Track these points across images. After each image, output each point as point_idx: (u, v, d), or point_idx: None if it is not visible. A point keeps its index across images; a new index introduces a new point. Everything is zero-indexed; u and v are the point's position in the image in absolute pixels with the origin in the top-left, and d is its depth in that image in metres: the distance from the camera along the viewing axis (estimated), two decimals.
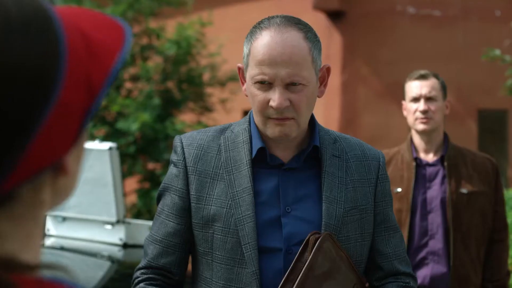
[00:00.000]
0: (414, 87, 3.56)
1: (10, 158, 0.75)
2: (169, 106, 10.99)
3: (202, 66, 11.54)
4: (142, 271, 2.09)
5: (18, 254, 0.79)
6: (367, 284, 2.07)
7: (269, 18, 2.00)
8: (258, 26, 1.99)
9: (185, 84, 11.31)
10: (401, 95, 3.60)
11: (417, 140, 3.62)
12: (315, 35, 2.01)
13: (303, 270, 1.92)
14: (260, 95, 1.95)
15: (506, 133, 12.21)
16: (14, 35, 0.76)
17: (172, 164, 2.09)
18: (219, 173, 2.03)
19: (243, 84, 2.07)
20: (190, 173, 2.04)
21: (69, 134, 0.80)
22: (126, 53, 0.84)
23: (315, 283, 1.94)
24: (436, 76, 3.59)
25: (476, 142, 11.90)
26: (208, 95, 11.72)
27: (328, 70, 2.07)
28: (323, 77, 2.06)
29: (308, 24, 2.01)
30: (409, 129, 3.67)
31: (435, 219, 3.48)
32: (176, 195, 2.05)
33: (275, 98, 1.92)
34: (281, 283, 1.93)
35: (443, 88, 3.59)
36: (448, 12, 12.35)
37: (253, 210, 1.97)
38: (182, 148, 2.07)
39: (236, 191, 1.99)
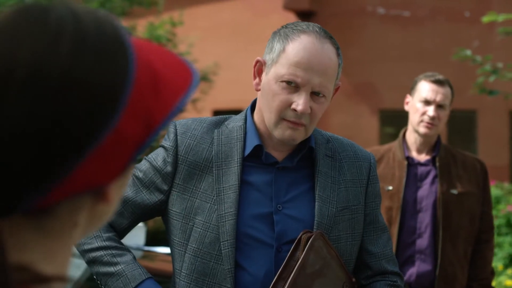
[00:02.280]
0: (430, 90, 3.52)
1: (58, 174, 0.76)
2: None
3: None
4: None
5: (36, 265, 0.79)
6: (355, 284, 2.09)
7: (306, 24, 1.99)
8: (295, 28, 1.98)
9: None
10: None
11: (412, 139, 3.62)
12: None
13: (295, 268, 1.93)
14: (283, 95, 1.94)
15: (475, 133, 12.35)
16: (87, 54, 0.77)
17: (163, 149, 2.07)
18: (208, 166, 2.02)
19: (255, 77, 2.05)
20: (180, 162, 2.03)
21: (119, 162, 0.80)
22: (189, 96, 0.84)
23: (307, 281, 1.96)
24: (450, 84, 3.57)
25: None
26: None
27: (337, 88, 2.09)
28: (333, 93, 2.08)
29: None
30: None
31: (424, 218, 3.50)
32: (160, 176, 2.05)
33: (300, 102, 1.92)
34: (274, 281, 1.94)
35: (453, 97, 3.60)
36: (418, 12, 12.46)
37: (236, 208, 1.97)
38: (176, 135, 2.06)
39: (223, 187, 2.00)
